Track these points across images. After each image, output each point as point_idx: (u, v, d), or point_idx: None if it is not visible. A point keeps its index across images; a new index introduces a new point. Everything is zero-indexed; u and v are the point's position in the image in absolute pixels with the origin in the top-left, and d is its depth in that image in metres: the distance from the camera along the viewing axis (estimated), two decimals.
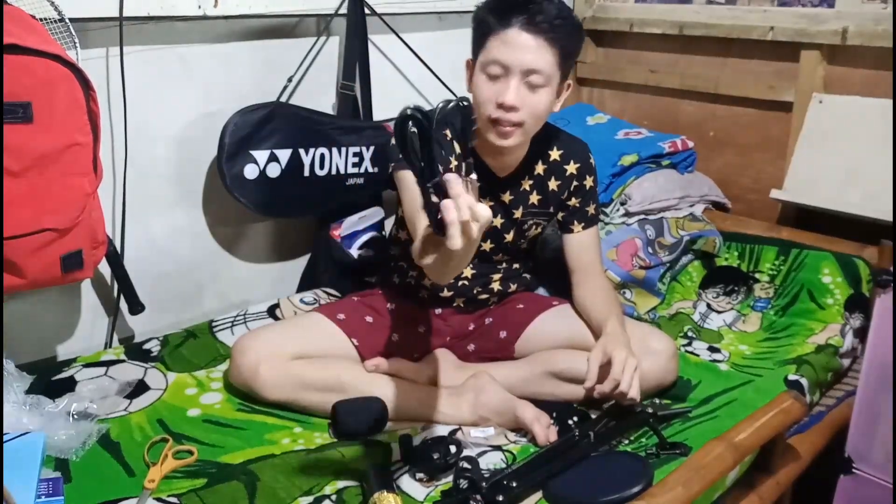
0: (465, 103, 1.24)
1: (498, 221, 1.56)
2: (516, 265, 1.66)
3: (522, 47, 1.35)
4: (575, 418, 1.40)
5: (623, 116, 2.34)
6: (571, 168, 1.58)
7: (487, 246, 1.59)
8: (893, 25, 1.77)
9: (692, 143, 2.15)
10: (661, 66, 2.30)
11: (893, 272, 1.31)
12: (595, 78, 2.47)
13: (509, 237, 1.59)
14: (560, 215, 1.62)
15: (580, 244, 1.61)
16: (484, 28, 1.41)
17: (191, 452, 1.31)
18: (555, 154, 1.56)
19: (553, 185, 1.57)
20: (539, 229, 1.63)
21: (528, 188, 1.56)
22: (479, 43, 1.42)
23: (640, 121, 2.31)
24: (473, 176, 1.08)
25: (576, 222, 1.61)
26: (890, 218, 1.75)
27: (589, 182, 1.60)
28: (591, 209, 1.61)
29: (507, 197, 1.55)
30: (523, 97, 1.37)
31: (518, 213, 1.57)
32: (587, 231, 1.61)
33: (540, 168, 1.56)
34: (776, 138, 2.07)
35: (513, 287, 1.66)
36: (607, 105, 2.45)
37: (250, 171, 1.76)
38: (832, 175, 1.90)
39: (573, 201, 1.60)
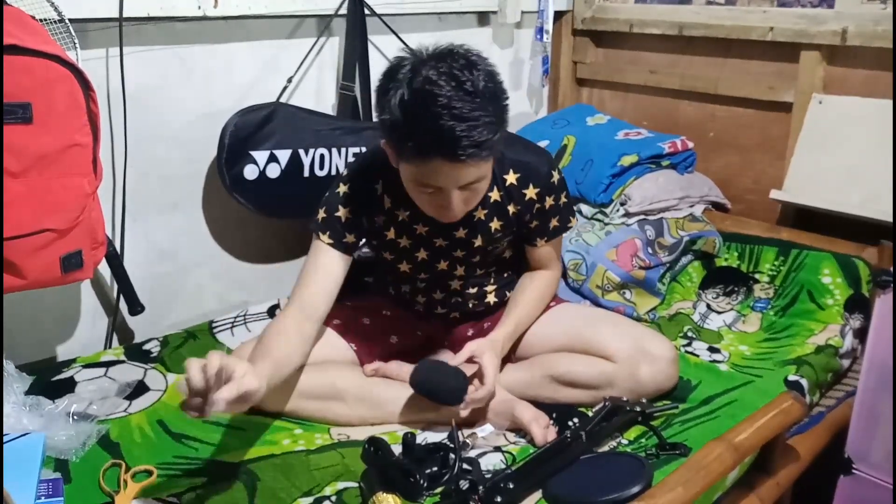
0: None
1: (460, 253, 1.51)
2: (506, 273, 1.63)
3: (451, 174, 1.24)
4: (575, 420, 1.40)
5: (623, 117, 2.34)
6: (531, 192, 1.48)
7: (461, 272, 1.54)
8: (893, 25, 1.77)
9: (692, 144, 2.15)
10: (660, 66, 2.30)
11: (893, 272, 1.31)
12: (595, 78, 2.47)
13: (476, 259, 1.54)
14: (522, 231, 1.55)
15: (542, 254, 1.58)
16: (400, 145, 1.25)
17: (149, 473, 1.25)
18: (511, 178, 1.47)
19: (512, 209, 1.49)
20: (508, 245, 1.57)
21: (483, 217, 1.48)
22: (397, 150, 1.28)
23: (639, 121, 2.31)
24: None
25: (538, 239, 1.55)
26: (890, 218, 1.74)
27: (549, 202, 1.50)
28: (553, 222, 1.54)
29: (460, 233, 1.48)
30: (466, 198, 1.31)
31: (479, 241, 1.50)
32: (551, 241, 1.57)
33: (496, 195, 1.47)
34: (776, 139, 2.07)
35: (509, 294, 1.62)
36: (607, 105, 2.45)
37: (250, 172, 1.76)
38: (832, 175, 1.89)
39: (534, 223, 1.53)
